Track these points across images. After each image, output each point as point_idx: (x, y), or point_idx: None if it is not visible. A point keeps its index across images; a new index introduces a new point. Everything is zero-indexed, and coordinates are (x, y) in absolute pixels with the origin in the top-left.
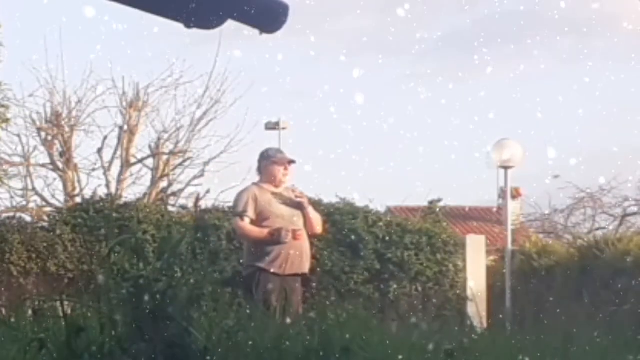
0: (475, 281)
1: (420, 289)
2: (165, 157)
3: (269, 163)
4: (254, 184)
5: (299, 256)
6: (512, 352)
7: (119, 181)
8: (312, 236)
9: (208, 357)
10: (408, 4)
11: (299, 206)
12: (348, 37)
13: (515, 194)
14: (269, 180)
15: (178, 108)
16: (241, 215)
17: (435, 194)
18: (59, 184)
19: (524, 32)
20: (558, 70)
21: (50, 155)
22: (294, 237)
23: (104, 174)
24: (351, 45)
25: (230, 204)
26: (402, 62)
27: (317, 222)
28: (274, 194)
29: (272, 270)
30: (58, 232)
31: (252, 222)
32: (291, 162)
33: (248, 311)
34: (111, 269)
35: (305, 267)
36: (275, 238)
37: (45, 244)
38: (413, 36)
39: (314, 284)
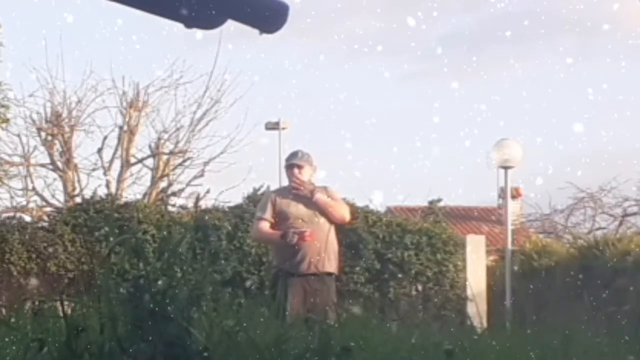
0: (475, 281)
1: (420, 289)
2: (165, 157)
3: (285, 166)
4: (282, 187)
5: (316, 255)
6: (512, 352)
7: (119, 181)
8: (341, 223)
9: (208, 357)
10: (410, 4)
11: (306, 199)
12: (349, 37)
13: (515, 194)
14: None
15: (178, 108)
16: (260, 218)
17: (435, 194)
18: (59, 184)
19: (525, 32)
20: (559, 70)
21: (50, 155)
22: (301, 239)
23: (104, 174)
24: (352, 45)
25: (230, 204)
26: (402, 62)
27: (338, 210)
28: (297, 195)
29: (290, 271)
30: (58, 232)
31: (272, 225)
32: (290, 165)
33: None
34: (111, 269)
35: (326, 266)
36: (284, 239)
37: (45, 244)
38: (414, 36)
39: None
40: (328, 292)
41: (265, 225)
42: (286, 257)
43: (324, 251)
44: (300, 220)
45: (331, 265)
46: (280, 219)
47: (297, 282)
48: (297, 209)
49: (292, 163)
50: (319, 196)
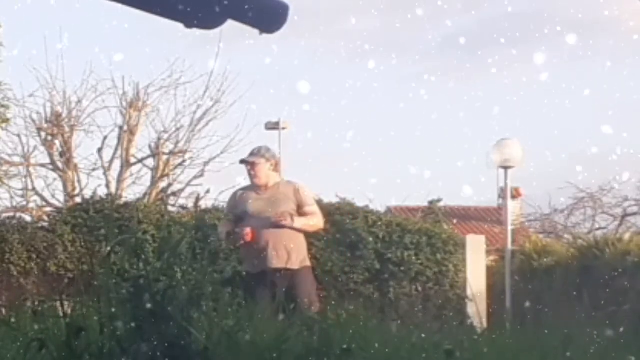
0: (475, 281)
1: (420, 289)
2: (165, 157)
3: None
4: (248, 185)
5: (263, 252)
6: (512, 352)
7: (119, 181)
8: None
9: (208, 357)
10: (411, 4)
11: (267, 195)
12: (349, 37)
13: (515, 194)
14: None
15: (178, 108)
16: (223, 218)
17: (435, 194)
18: (59, 184)
19: (526, 32)
20: (560, 70)
21: (50, 155)
22: (240, 239)
23: (104, 174)
24: (352, 45)
25: None
26: (403, 62)
27: (314, 226)
28: (260, 192)
29: (249, 270)
30: (58, 232)
31: (235, 223)
32: (244, 163)
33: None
34: (111, 269)
35: (274, 262)
36: (234, 239)
37: (45, 244)
38: (415, 36)
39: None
40: (295, 287)
41: (224, 226)
42: (246, 257)
43: (279, 247)
44: (253, 220)
45: (281, 260)
46: (241, 217)
47: (256, 280)
48: (253, 207)
49: (245, 160)
50: (299, 222)
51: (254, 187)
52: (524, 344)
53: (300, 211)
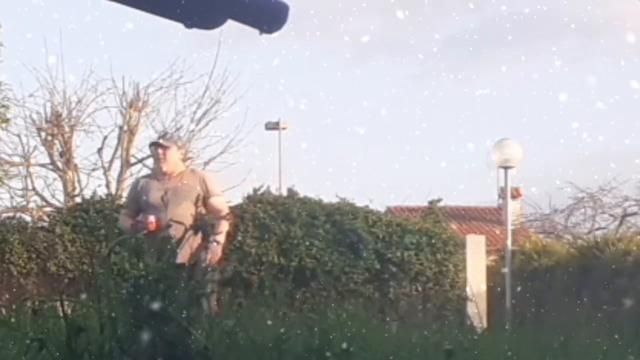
0: (475, 281)
1: (420, 289)
2: None
3: (149, 145)
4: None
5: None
6: (512, 352)
7: (119, 181)
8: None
9: (208, 357)
10: (412, 4)
11: (170, 183)
12: (350, 37)
13: (515, 194)
14: None
15: (178, 108)
16: (124, 207)
17: (435, 194)
18: (59, 184)
19: (527, 32)
20: (559, 70)
21: (50, 155)
22: (147, 227)
23: (104, 174)
24: (353, 45)
25: (230, 204)
26: (403, 62)
27: (223, 236)
28: (163, 180)
29: None
30: (58, 232)
31: (137, 214)
32: (155, 144)
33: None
34: (111, 269)
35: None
36: (137, 229)
37: (45, 244)
38: (415, 37)
39: (314, 284)
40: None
41: (125, 216)
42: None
43: (185, 240)
44: (153, 209)
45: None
46: (140, 207)
47: None
48: (155, 197)
49: (157, 142)
50: (218, 249)
51: (156, 175)
52: (524, 344)
53: (206, 202)
